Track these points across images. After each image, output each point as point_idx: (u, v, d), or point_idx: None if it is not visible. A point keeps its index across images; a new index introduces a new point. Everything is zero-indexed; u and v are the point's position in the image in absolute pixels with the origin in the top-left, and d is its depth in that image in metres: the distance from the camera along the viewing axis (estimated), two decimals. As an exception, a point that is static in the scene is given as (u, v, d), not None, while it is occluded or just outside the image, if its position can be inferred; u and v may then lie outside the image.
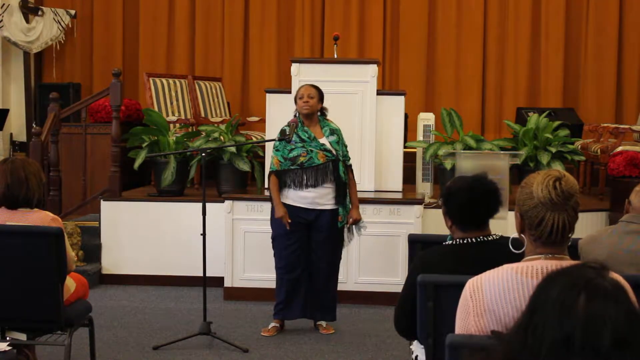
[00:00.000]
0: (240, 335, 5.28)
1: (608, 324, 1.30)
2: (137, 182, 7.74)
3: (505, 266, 2.15)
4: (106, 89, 7.07)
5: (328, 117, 5.35)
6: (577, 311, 1.32)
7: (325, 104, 5.33)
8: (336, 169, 5.18)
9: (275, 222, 5.23)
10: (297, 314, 5.33)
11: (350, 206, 5.27)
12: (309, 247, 5.25)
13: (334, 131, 5.26)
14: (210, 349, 4.98)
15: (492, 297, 2.12)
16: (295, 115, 5.27)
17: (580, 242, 3.36)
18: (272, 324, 5.36)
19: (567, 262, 2.15)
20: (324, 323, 5.39)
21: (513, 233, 2.30)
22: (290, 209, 5.16)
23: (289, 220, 5.12)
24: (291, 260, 5.23)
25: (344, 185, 5.20)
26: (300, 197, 5.15)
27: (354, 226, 5.32)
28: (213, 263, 5.80)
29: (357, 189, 5.42)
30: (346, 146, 5.34)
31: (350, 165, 5.36)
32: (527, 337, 1.35)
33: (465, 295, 2.18)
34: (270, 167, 5.25)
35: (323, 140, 5.19)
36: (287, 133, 5.16)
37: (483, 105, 9.50)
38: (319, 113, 5.27)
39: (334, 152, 5.18)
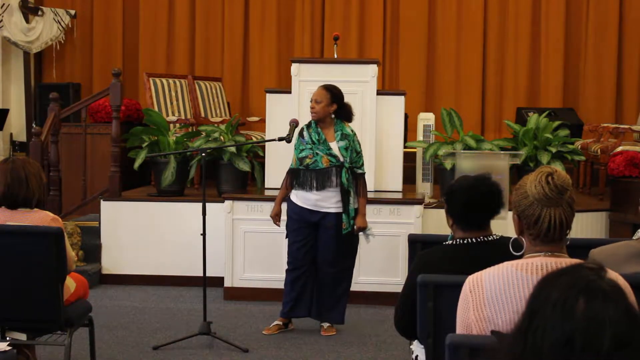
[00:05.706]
0: (240, 335, 5.28)
1: (608, 326, 1.31)
2: (137, 182, 7.73)
3: (505, 263, 2.18)
4: (106, 89, 7.07)
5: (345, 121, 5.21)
6: (576, 313, 1.33)
7: None
8: (339, 175, 5.12)
9: (287, 219, 5.26)
10: (304, 313, 5.31)
11: (355, 214, 5.19)
12: (316, 247, 5.23)
13: (346, 136, 5.16)
14: (210, 349, 4.98)
15: (492, 293, 2.14)
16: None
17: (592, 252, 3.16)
18: (275, 323, 5.35)
19: (566, 260, 2.17)
20: (325, 325, 5.36)
21: (513, 233, 2.31)
22: (298, 208, 5.18)
23: (278, 224, 5.29)
24: (296, 258, 5.23)
25: (346, 193, 5.12)
26: (305, 199, 5.15)
27: (361, 233, 5.26)
28: (213, 263, 5.80)
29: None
30: (358, 152, 5.21)
31: (362, 174, 5.24)
32: (528, 339, 1.36)
33: (465, 291, 2.20)
34: (291, 165, 5.28)
35: (333, 144, 5.14)
36: (288, 133, 5.15)
37: (483, 105, 9.49)
38: (332, 115, 5.17)
39: (340, 157, 5.11)
